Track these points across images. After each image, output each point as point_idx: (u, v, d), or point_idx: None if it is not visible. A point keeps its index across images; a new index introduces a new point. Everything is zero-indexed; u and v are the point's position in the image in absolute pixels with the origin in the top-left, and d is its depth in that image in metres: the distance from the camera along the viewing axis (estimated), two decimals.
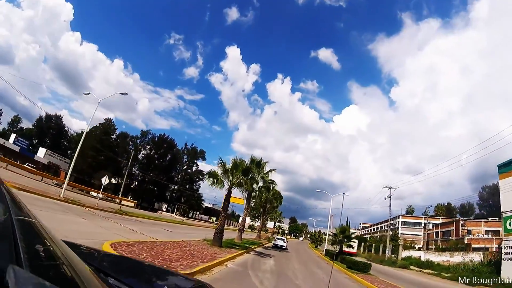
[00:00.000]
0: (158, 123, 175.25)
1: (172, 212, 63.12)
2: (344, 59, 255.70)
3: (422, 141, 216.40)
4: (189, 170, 76.90)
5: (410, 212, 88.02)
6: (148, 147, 71.70)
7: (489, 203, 78.83)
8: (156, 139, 71.65)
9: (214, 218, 79.93)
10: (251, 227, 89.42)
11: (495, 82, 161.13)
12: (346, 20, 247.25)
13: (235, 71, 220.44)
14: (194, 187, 78.01)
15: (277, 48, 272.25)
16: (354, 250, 37.74)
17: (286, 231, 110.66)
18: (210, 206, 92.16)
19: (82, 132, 37.54)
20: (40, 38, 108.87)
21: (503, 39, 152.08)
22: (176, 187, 73.02)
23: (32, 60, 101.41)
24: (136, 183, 68.55)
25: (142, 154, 70.41)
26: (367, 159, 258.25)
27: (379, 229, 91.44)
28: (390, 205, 37.62)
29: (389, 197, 37.75)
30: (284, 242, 37.04)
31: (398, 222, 73.35)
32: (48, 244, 0.85)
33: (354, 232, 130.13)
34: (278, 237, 45.58)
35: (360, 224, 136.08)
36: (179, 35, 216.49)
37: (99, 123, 63.80)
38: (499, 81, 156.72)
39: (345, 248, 31.53)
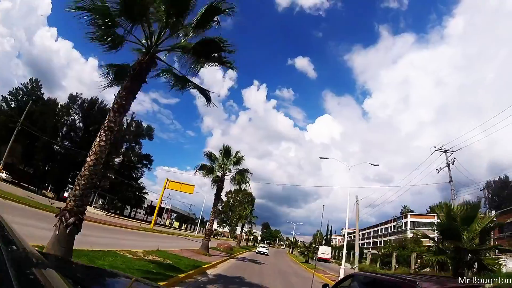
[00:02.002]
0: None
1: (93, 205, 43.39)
2: (320, 68, 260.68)
3: (394, 150, 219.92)
4: (130, 153, 57.02)
5: (405, 213, 76.12)
6: (76, 116, 51.31)
7: (497, 198, 69.93)
8: (86, 106, 51.51)
9: (166, 220, 60.26)
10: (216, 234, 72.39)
11: (467, 94, 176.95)
12: (324, 29, 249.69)
13: (211, 76, 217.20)
14: (135, 175, 58.32)
15: (254, 54, 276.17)
16: (328, 257, 45.35)
17: (259, 238, 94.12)
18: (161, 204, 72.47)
19: None
20: (16, 32, 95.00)
21: (477, 54, 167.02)
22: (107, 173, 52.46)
23: (6, 54, 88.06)
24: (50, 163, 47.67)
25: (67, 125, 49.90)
26: (340, 167, 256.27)
27: (372, 234, 77.75)
28: (450, 178, 22.29)
29: (447, 164, 22.60)
30: (266, 249, 44.42)
31: (406, 223, 61.05)
32: (19, 250, 0.82)
33: (335, 239, 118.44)
34: (261, 245, 50.89)
35: (342, 230, 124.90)
36: None
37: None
38: (472, 94, 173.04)
39: (319, 255, 40.52)
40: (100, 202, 52.48)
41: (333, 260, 51.22)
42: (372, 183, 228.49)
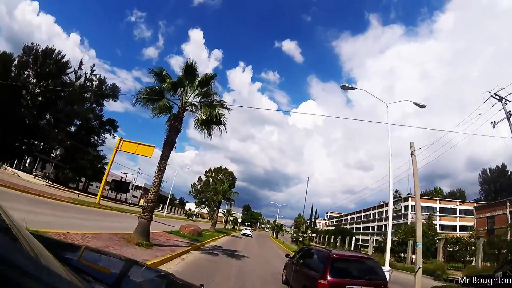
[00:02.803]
0: (112, 105, 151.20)
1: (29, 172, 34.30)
2: (307, 53, 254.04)
3: (376, 139, 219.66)
4: (91, 116, 47.10)
5: (397, 197, 70.84)
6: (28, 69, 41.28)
7: (492, 186, 67.94)
8: (40, 57, 41.08)
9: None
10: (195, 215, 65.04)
11: (452, 88, 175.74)
12: (313, 13, 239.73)
13: (197, 55, 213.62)
14: (95, 141, 48.74)
15: (241, 36, 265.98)
16: None
17: (240, 220, 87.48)
18: (123, 177, 63.51)
19: None
20: None
21: (464, 50, 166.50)
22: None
23: None
24: None
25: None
26: (321, 152, 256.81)
27: (363, 218, 72.07)
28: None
29: (509, 115, 15.44)
30: (250, 231, 50.89)
31: (406, 206, 55.41)
32: (15, 235, 0.84)
33: (320, 223, 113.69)
34: (246, 227, 57.13)
35: (327, 214, 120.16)
36: (141, 12, 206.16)
37: None
38: (457, 88, 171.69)
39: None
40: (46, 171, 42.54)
41: (315, 244, 46.11)
42: (352, 170, 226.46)
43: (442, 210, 53.92)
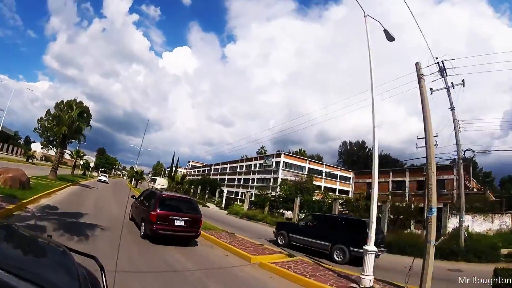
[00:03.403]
0: None
1: None
2: None
3: (241, 99, 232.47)
4: None
5: (262, 153, 75.01)
6: None
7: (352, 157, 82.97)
8: None
9: None
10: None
11: (320, 71, 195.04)
12: None
13: None
14: None
15: None
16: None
17: (92, 165, 73.46)
18: None
19: None
20: None
21: (342, 44, 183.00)
22: None
23: None
24: None
25: None
26: (186, 102, 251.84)
27: (228, 170, 72.47)
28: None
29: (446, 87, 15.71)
30: (107, 178, 49.50)
31: (278, 163, 55.82)
32: None
33: (181, 172, 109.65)
34: (102, 174, 53.35)
35: (188, 163, 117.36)
36: None
37: None
38: (323, 72, 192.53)
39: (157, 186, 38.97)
40: None
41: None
42: (213, 123, 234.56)
43: (320, 173, 56.36)
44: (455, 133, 16.47)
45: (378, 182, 31.41)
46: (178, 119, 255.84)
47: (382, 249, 11.13)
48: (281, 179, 42.00)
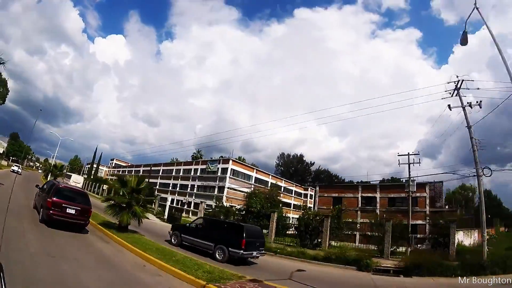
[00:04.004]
0: None
1: None
2: None
3: (170, 99, 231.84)
4: None
5: (197, 157, 71.67)
6: None
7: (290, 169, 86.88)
8: None
9: None
10: None
11: (249, 82, 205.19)
12: None
13: None
14: None
15: None
16: (80, 186, 40.21)
17: (3, 150, 64.83)
18: None
19: None
20: None
21: (277, 60, 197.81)
22: None
23: None
24: None
25: None
26: (112, 94, 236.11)
27: (162, 173, 68.51)
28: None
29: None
30: (19, 168, 46.19)
31: (225, 169, 51.18)
32: None
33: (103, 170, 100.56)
34: (16, 164, 51.45)
35: (112, 161, 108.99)
36: None
37: None
38: (252, 84, 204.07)
39: (71, 183, 36.23)
40: None
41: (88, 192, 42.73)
42: (138, 122, 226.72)
43: (267, 184, 54.90)
44: (473, 151, 16.28)
45: (346, 197, 36.55)
46: (100, 111, 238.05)
47: (262, 252, 13.19)
48: (252, 190, 35.51)
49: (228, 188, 47.74)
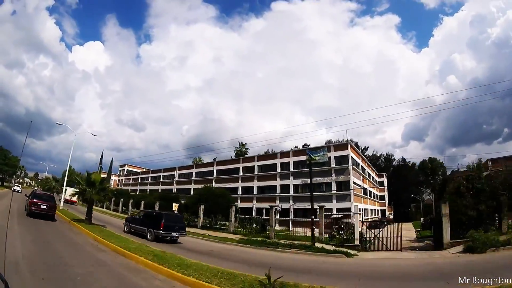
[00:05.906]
0: None
1: None
2: None
3: (153, 101, 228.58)
4: None
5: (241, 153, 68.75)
6: None
7: None
8: None
9: None
10: None
11: (234, 80, 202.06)
12: None
13: None
14: None
15: None
16: (74, 199, 44.75)
17: None
18: None
19: None
20: None
21: (258, 55, 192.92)
22: None
23: None
24: None
25: None
26: (95, 102, 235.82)
27: (133, 181, 74.02)
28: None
29: None
30: (20, 188, 56.68)
31: (345, 158, 39.91)
32: None
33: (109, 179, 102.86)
34: (17, 185, 59.68)
35: (122, 167, 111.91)
36: None
37: None
38: (237, 81, 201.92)
39: (67, 197, 40.75)
40: None
41: (81, 203, 47.81)
42: (124, 128, 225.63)
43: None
44: None
45: None
46: (84, 120, 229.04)
47: (183, 233, 18.66)
48: None
49: (354, 183, 37.59)
